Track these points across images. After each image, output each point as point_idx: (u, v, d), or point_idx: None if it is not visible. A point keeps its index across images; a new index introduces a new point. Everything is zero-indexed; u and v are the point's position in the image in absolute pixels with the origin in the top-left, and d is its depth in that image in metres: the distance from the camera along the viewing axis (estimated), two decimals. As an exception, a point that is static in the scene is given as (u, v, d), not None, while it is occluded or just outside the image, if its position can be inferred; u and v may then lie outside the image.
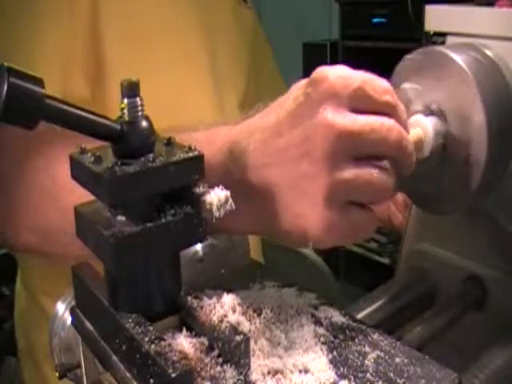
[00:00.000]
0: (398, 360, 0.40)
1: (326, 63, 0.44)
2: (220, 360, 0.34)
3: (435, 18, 0.58)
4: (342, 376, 0.38)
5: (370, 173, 0.42)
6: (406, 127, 0.45)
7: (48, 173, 0.58)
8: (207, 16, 0.77)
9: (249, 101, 0.87)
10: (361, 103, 0.43)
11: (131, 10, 0.68)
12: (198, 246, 0.52)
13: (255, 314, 0.43)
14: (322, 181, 0.42)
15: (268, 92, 0.89)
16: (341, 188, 0.42)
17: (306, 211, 0.43)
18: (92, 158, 0.33)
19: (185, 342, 0.34)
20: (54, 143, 0.58)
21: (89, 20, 0.65)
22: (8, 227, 0.61)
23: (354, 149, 0.42)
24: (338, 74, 0.43)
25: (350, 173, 0.42)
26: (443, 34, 0.58)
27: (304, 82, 0.44)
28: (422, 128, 0.50)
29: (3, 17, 0.63)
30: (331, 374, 0.38)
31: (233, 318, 0.35)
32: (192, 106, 0.74)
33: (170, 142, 0.35)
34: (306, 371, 0.38)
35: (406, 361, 0.40)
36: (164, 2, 0.72)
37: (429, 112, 0.51)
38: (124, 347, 0.34)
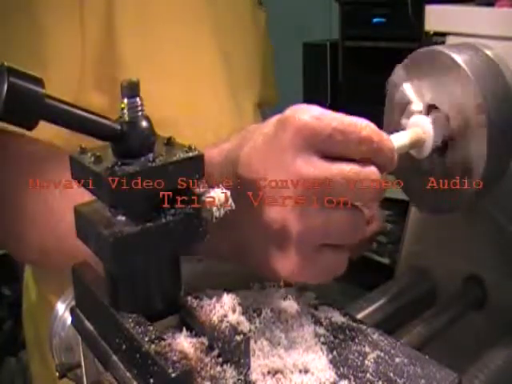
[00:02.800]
0: (397, 360, 0.40)
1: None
2: (220, 360, 0.34)
3: (435, 18, 0.58)
4: (341, 376, 0.38)
5: (341, 217, 0.42)
6: (391, 163, 0.43)
7: (39, 198, 0.57)
8: (224, 17, 0.75)
9: (267, 100, 0.87)
10: (334, 150, 0.41)
11: (146, 20, 0.66)
12: (198, 246, 0.52)
13: (255, 314, 0.43)
14: (292, 228, 0.42)
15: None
16: (310, 235, 0.42)
17: (277, 255, 0.43)
18: (92, 158, 0.33)
19: (185, 342, 0.34)
20: (47, 168, 0.58)
21: (101, 38, 0.63)
22: (10, 241, 0.61)
23: (325, 196, 0.41)
24: (308, 119, 0.41)
25: (319, 220, 0.41)
26: (443, 34, 0.58)
27: (275, 119, 0.43)
28: (422, 128, 0.50)
29: (5, 25, 0.60)
30: (331, 374, 0.38)
31: (233, 318, 0.35)
32: (207, 107, 0.72)
33: (169, 142, 0.35)
34: (306, 371, 0.38)
35: (405, 361, 0.40)
36: (180, 8, 0.70)
37: (429, 112, 0.51)
38: (124, 347, 0.34)
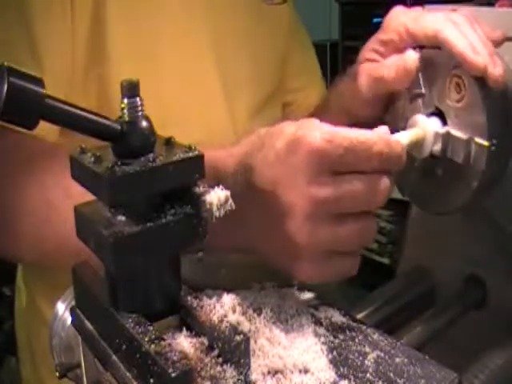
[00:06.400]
0: (398, 360, 0.40)
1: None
2: (220, 360, 0.34)
3: (435, 17, 0.58)
4: (341, 376, 0.38)
5: (350, 229, 0.43)
6: (399, 166, 0.44)
7: (41, 196, 0.56)
8: (221, 21, 0.73)
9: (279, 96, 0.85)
10: (346, 168, 0.42)
11: (138, 18, 0.64)
12: (198, 246, 0.52)
13: (255, 314, 0.43)
14: (302, 239, 0.43)
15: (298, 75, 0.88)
16: (320, 246, 0.43)
17: (288, 260, 0.44)
18: (92, 158, 0.33)
19: (185, 342, 0.34)
20: (47, 166, 0.56)
21: (90, 47, 0.62)
22: (4, 239, 0.58)
23: (335, 212, 0.43)
24: (319, 143, 0.41)
25: (329, 233, 0.43)
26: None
27: (287, 139, 0.43)
28: (423, 128, 0.50)
29: None
30: (331, 374, 0.38)
31: (233, 318, 0.35)
32: (197, 108, 0.71)
33: (169, 142, 0.35)
34: (306, 371, 0.38)
35: (405, 361, 0.40)
36: (176, 14, 0.68)
37: (429, 112, 0.51)
38: (124, 347, 0.34)
